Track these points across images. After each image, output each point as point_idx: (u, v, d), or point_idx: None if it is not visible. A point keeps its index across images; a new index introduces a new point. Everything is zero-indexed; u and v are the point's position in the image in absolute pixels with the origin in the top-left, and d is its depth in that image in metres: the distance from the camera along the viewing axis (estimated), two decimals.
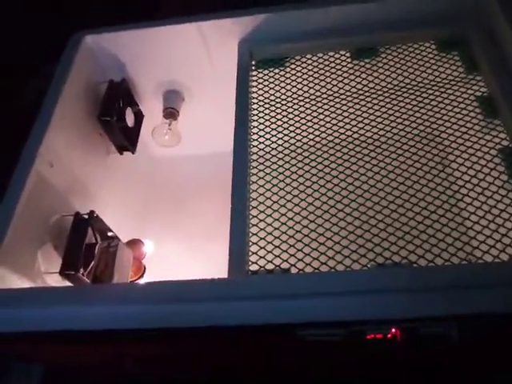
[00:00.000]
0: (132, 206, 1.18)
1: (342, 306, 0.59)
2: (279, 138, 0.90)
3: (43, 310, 0.67)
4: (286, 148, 0.88)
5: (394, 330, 0.60)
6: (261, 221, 0.75)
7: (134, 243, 0.99)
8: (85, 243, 0.84)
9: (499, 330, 0.64)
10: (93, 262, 0.81)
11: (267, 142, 0.89)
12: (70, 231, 0.86)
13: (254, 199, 0.78)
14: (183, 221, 1.21)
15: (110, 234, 0.90)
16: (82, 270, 0.79)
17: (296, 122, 0.93)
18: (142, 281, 1.00)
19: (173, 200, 1.25)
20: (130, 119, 1.10)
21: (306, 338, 0.64)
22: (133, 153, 1.11)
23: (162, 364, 0.85)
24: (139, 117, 1.16)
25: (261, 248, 0.71)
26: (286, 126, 0.92)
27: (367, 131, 0.89)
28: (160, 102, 1.19)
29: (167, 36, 1.04)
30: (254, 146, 0.88)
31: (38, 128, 0.88)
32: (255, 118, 0.94)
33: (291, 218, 0.75)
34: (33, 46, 1.26)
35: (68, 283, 0.79)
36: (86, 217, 0.88)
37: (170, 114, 1.16)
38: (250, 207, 0.76)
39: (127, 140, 1.09)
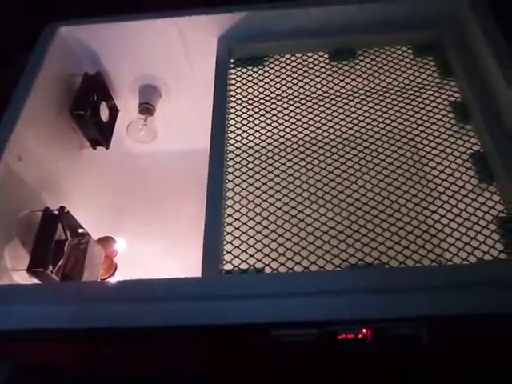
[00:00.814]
0: (105, 202, 1.15)
1: (313, 307, 0.60)
2: (256, 137, 0.90)
3: (8, 307, 0.64)
4: (262, 147, 0.88)
5: (364, 330, 0.61)
6: (236, 220, 0.74)
7: (106, 240, 0.97)
8: (54, 240, 0.82)
9: (469, 331, 0.65)
10: (62, 260, 0.79)
11: (244, 141, 0.89)
12: (39, 227, 0.83)
13: (229, 198, 0.78)
14: (158, 219, 1.19)
15: (80, 230, 0.88)
16: (50, 268, 0.77)
17: (273, 121, 0.93)
18: (113, 279, 0.98)
19: (148, 197, 1.23)
20: (104, 114, 1.08)
21: (280, 338, 0.64)
22: (107, 148, 1.09)
23: (134, 364, 0.84)
24: (114, 112, 1.14)
25: (235, 247, 0.70)
26: (262, 125, 0.92)
27: (343, 132, 0.90)
28: (136, 97, 1.17)
29: (145, 30, 1.03)
30: (230, 145, 0.88)
31: (8, 120, 0.85)
32: (232, 116, 0.94)
33: (266, 218, 0.75)
34: (8, 33, 1.21)
35: (36, 281, 0.77)
36: (56, 212, 0.86)
37: (146, 109, 1.14)
38: (225, 206, 0.75)
39: (101, 135, 1.06)
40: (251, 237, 0.72)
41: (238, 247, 0.71)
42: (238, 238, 0.72)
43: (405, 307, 0.59)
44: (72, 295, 0.64)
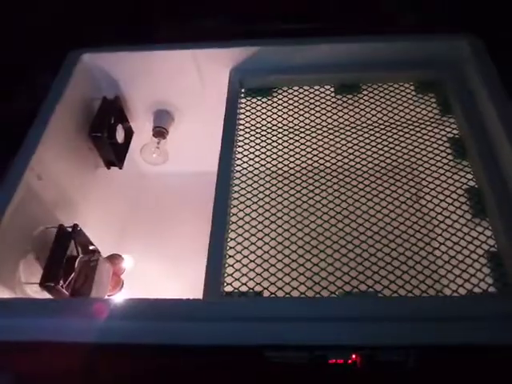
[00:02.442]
0: (115, 220, 1.21)
1: (306, 331, 0.63)
2: (262, 165, 0.94)
3: (20, 319, 0.69)
4: (267, 175, 0.93)
5: (354, 356, 0.64)
6: (238, 244, 0.78)
7: (115, 258, 1.01)
8: (66, 256, 0.86)
9: (457, 360, 0.68)
10: (72, 275, 0.84)
11: (250, 168, 0.94)
12: (53, 243, 0.88)
13: (233, 222, 0.82)
14: (164, 238, 1.24)
15: (91, 247, 0.93)
16: (61, 282, 0.81)
17: (279, 149, 0.97)
18: (119, 295, 1.02)
19: (156, 217, 1.28)
20: (120, 135, 1.14)
21: (274, 360, 0.67)
22: (120, 168, 1.15)
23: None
24: (129, 133, 1.20)
25: (236, 270, 0.74)
26: (269, 153, 0.97)
27: (345, 163, 0.94)
28: (150, 120, 1.23)
29: (162, 59, 1.09)
30: (237, 171, 0.93)
31: (31, 141, 0.90)
32: (240, 143, 0.99)
33: (267, 243, 0.79)
34: (30, 55, 1.29)
35: (47, 295, 0.81)
36: (70, 230, 0.91)
37: (159, 132, 1.20)
38: (229, 230, 0.80)
39: (115, 156, 1.12)
40: (252, 261, 0.76)
41: (238, 270, 0.74)
42: (239, 261, 0.76)
43: (394, 336, 0.62)
44: (80, 311, 0.68)
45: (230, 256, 0.76)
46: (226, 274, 0.73)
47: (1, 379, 1.10)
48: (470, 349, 0.63)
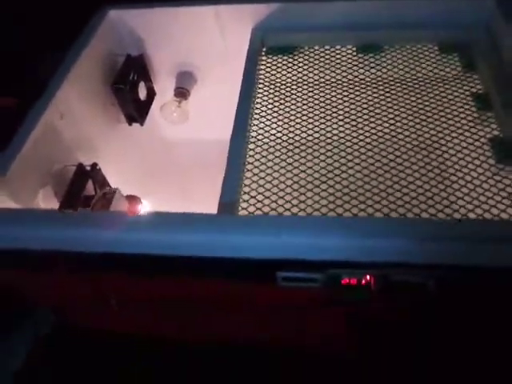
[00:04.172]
0: (133, 174, 1.21)
1: (321, 247, 0.61)
2: (280, 114, 0.94)
3: (48, 230, 0.69)
4: (284, 133, 0.92)
5: (368, 277, 0.62)
6: (255, 167, 0.79)
7: (133, 198, 1.01)
8: (84, 190, 0.87)
9: (474, 283, 0.65)
10: (90, 206, 0.84)
11: (268, 117, 0.93)
12: (72, 179, 0.89)
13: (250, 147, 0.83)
14: (180, 193, 1.24)
15: (108, 188, 0.94)
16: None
17: (298, 102, 0.97)
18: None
19: (173, 176, 1.29)
20: (142, 93, 1.16)
21: (286, 285, 0.66)
22: (141, 124, 1.16)
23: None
24: (151, 93, 1.22)
25: (251, 197, 0.74)
26: (287, 104, 0.97)
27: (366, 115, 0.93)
28: (173, 82, 1.24)
29: (185, 16, 1.11)
30: (254, 125, 0.92)
31: (55, 81, 0.93)
32: (260, 96, 0.99)
33: (284, 167, 0.80)
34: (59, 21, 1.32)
35: None
36: (89, 168, 0.92)
37: (181, 93, 1.21)
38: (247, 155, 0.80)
39: (137, 111, 1.14)
40: (268, 182, 0.76)
41: (254, 197, 0.74)
42: (254, 189, 0.75)
43: (407, 254, 0.60)
44: (100, 222, 0.68)
45: (246, 178, 0.76)
46: (241, 200, 0.73)
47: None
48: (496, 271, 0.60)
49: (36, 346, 1.12)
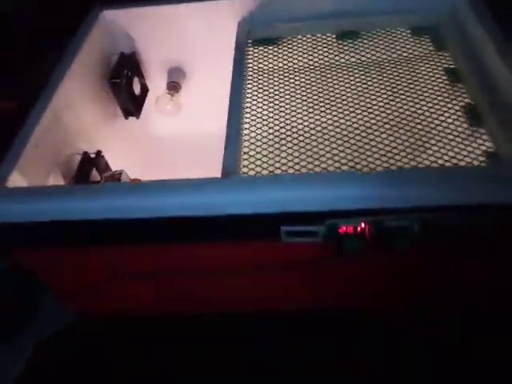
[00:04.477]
0: (130, 167, 1.26)
1: (318, 199, 0.68)
2: (270, 93, 1.02)
3: (66, 203, 0.74)
4: (275, 108, 0.99)
5: (363, 224, 0.69)
6: (254, 128, 0.88)
7: (138, 181, 1.06)
8: (90, 176, 0.93)
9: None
10: None
11: (259, 97, 1.01)
12: (78, 166, 0.95)
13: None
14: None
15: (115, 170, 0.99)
16: None
17: (286, 85, 1.05)
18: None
19: (169, 168, 1.33)
20: (136, 88, 1.22)
21: (290, 240, 0.73)
22: (137, 117, 1.22)
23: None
24: (145, 90, 1.28)
25: (250, 156, 0.81)
26: (276, 87, 1.04)
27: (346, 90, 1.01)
28: (164, 78, 1.31)
29: (175, 14, 1.18)
30: (247, 113, 0.99)
31: (56, 76, 0.98)
32: (249, 85, 1.06)
33: (283, 127, 0.89)
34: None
35: None
36: (93, 156, 0.98)
37: (173, 86, 1.28)
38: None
39: (133, 105, 1.20)
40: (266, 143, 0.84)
41: (253, 156, 0.81)
42: (254, 143, 0.83)
43: (397, 200, 0.67)
44: (120, 191, 0.74)
45: (245, 140, 0.84)
46: (242, 159, 0.80)
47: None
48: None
49: (39, 347, 1.12)
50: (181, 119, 1.35)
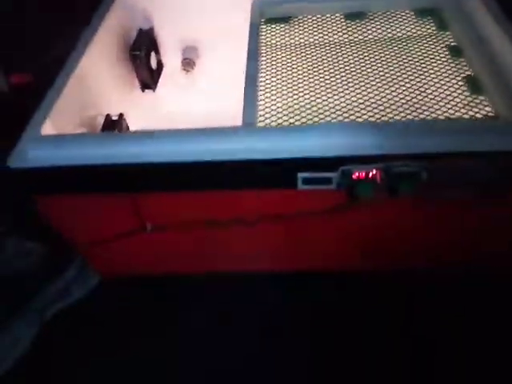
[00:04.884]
0: None
1: (334, 146, 0.74)
2: (282, 67, 1.08)
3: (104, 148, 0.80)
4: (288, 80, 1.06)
5: (374, 170, 0.75)
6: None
7: None
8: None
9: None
10: None
11: (273, 75, 1.07)
12: (103, 126, 1.00)
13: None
14: None
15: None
16: None
17: (298, 60, 1.11)
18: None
19: None
20: (153, 62, 1.28)
21: (307, 188, 0.78)
22: (153, 90, 1.28)
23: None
24: (160, 65, 1.34)
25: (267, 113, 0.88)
26: (287, 62, 1.10)
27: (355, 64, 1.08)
28: (179, 56, 1.37)
29: None
30: (262, 82, 1.05)
31: (83, 42, 1.04)
32: (263, 59, 1.12)
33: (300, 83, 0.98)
34: None
35: None
36: (115, 118, 1.03)
37: (187, 63, 1.34)
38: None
39: (151, 78, 1.26)
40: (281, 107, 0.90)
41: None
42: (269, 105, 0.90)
43: (405, 147, 0.73)
44: (138, 139, 0.79)
45: (261, 105, 0.90)
46: (259, 113, 0.86)
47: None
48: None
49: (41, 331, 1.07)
50: (194, 95, 1.41)
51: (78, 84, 0.97)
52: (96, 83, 1.06)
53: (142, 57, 1.20)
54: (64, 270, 1.09)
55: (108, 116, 1.03)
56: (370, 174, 0.75)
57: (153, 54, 1.28)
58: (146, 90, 1.29)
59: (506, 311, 1.00)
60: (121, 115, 1.04)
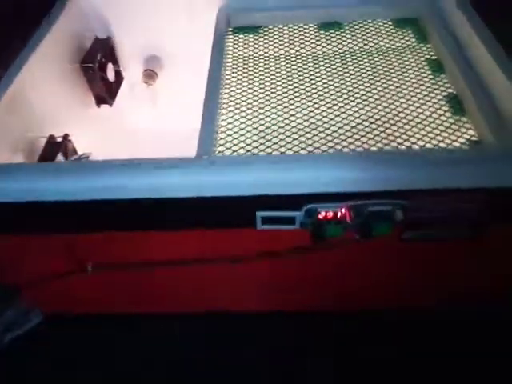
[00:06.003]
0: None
1: (298, 182, 0.64)
2: (248, 81, 0.98)
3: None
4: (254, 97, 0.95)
5: (343, 209, 0.65)
6: (230, 111, 0.85)
7: None
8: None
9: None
10: None
11: (238, 84, 0.97)
12: (43, 149, 0.89)
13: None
14: None
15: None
16: None
17: (264, 75, 1.01)
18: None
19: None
20: (110, 74, 1.16)
21: (267, 228, 0.68)
22: (110, 105, 1.17)
23: None
24: (119, 77, 1.23)
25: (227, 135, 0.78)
26: (256, 75, 1.00)
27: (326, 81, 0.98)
28: (141, 67, 1.26)
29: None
30: (225, 92, 0.95)
31: (23, 56, 0.92)
32: (228, 72, 1.01)
33: (258, 111, 0.86)
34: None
35: None
36: (60, 140, 0.92)
37: (149, 75, 1.23)
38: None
39: (106, 92, 1.14)
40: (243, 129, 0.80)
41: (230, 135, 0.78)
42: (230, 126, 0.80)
43: (375, 184, 0.64)
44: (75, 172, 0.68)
45: (222, 126, 0.80)
46: (218, 137, 0.76)
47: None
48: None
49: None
50: (156, 110, 1.30)
51: (15, 105, 0.86)
52: (39, 100, 0.95)
53: (96, 69, 1.09)
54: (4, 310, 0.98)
55: (51, 137, 0.91)
56: (339, 214, 0.65)
57: (110, 65, 1.17)
58: (102, 105, 1.17)
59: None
60: (66, 136, 0.92)
